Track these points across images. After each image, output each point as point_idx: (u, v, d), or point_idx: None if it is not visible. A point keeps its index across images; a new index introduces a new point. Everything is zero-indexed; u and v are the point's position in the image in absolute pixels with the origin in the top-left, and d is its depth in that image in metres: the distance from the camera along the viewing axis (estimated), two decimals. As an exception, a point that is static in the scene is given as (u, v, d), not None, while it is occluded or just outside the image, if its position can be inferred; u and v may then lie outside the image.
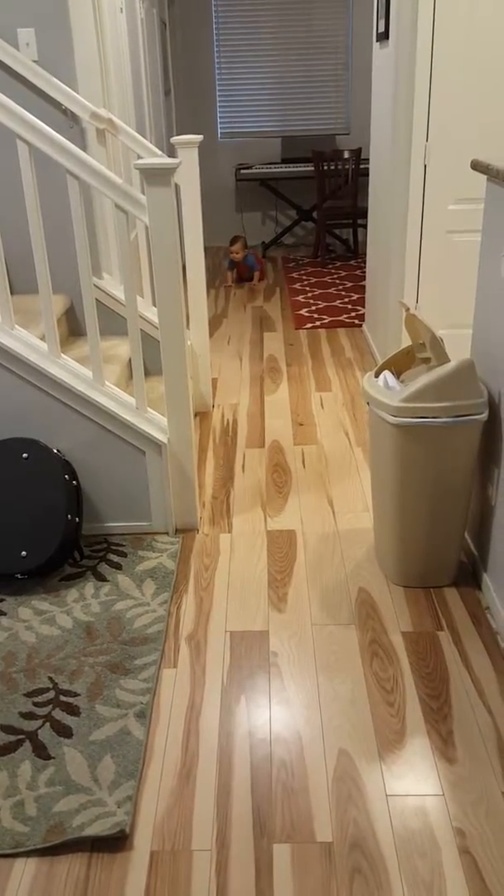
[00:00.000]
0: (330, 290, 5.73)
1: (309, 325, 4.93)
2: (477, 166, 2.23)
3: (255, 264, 5.99)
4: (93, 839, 1.63)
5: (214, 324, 5.10)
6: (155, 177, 2.26)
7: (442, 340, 2.32)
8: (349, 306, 5.31)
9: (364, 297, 5.46)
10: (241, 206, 7.45)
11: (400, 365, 2.41)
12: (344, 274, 6.19)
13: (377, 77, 4.18)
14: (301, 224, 7.37)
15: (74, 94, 3.06)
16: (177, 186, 3.45)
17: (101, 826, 1.64)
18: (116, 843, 1.63)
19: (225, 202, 7.44)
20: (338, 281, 6.00)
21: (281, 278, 6.21)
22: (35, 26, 3.02)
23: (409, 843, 1.60)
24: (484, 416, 2.15)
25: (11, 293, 3.40)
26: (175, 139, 3.26)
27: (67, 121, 3.16)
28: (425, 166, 3.63)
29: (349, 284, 5.87)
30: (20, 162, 2.30)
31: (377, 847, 1.60)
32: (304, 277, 6.15)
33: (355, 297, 5.52)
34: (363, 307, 5.25)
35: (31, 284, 3.24)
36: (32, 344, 2.49)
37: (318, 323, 4.97)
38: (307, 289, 5.81)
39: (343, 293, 5.65)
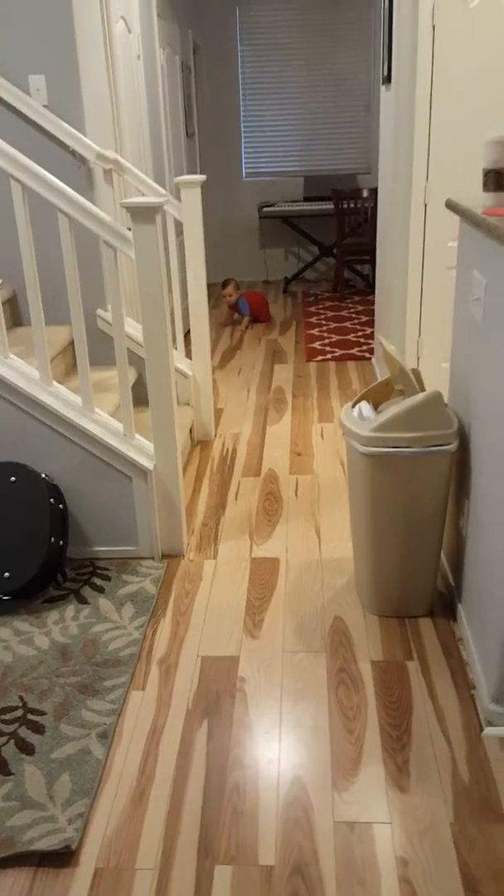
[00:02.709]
0: (345, 324, 5.80)
1: (320, 358, 4.99)
2: (449, 205, 2.28)
3: (246, 308, 5.90)
4: (40, 854, 1.67)
5: (228, 356, 5.20)
6: (140, 215, 2.36)
7: (418, 372, 2.36)
8: (361, 340, 5.36)
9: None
10: (264, 242, 7.60)
11: (378, 396, 2.45)
12: (361, 308, 6.26)
13: (383, 118, 4.28)
14: (322, 260, 7.48)
15: (82, 136, 3.20)
16: (180, 224, 3.57)
17: (49, 841, 1.68)
18: (62, 858, 1.66)
19: (249, 239, 7.59)
20: (353, 315, 6.07)
21: (298, 312, 6.30)
22: (45, 73, 3.18)
23: (350, 869, 1.61)
24: (453, 446, 2.17)
25: (20, 324, 3.54)
26: (178, 179, 3.38)
27: (75, 162, 3.30)
28: (426, 205, 3.70)
29: (364, 319, 5.93)
30: (13, 199, 2.41)
31: (318, 872, 1.60)
32: (321, 311, 6.22)
33: (369, 330, 5.58)
34: (374, 340, 5.29)
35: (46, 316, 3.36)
36: (25, 372, 2.58)
37: (328, 355, 5.03)
38: (323, 322, 5.88)
39: (357, 327, 5.71)
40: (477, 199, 2.21)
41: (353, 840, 1.67)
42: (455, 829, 1.69)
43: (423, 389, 2.32)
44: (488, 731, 1.94)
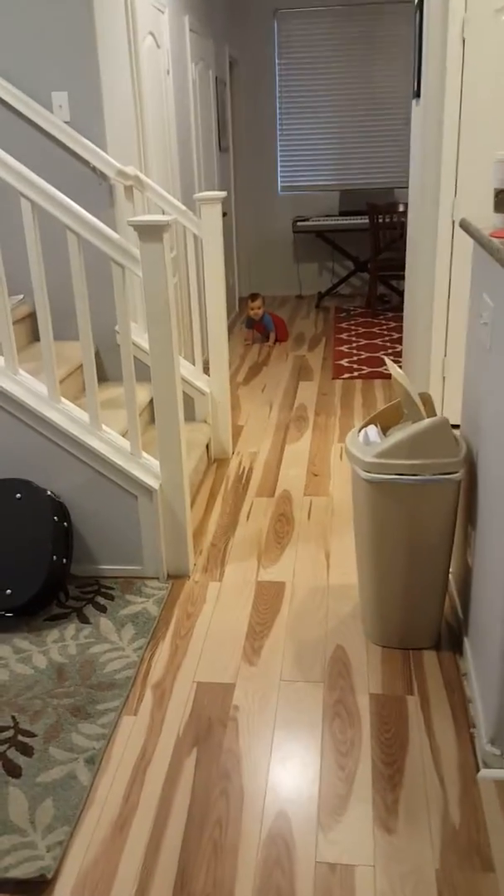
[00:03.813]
0: (375, 341, 5.73)
1: (346, 376, 4.93)
2: (463, 225, 2.22)
3: (270, 324, 5.83)
4: (15, 881, 1.64)
5: (253, 371, 5.17)
6: (147, 233, 2.35)
7: (428, 396, 2.30)
8: (391, 358, 5.29)
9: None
10: (298, 256, 7.57)
11: (388, 420, 2.40)
12: (393, 325, 6.19)
13: (414, 134, 4.23)
14: (357, 275, 7.42)
15: (102, 153, 3.22)
16: (199, 240, 3.56)
17: (26, 869, 1.66)
18: (38, 887, 1.64)
19: (283, 253, 7.57)
20: (385, 332, 5.99)
21: (329, 328, 6.24)
22: (68, 90, 3.20)
23: (328, 915, 1.55)
24: (459, 475, 2.10)
25: (38, 339, 3.56)
26: (198, 196, 3.37)
27: (97, 178, 3.32)
28: (453, 222, 3.63)
29: (396, 336, 5.86)
30: (23, 217, 2.42)
31: (294, 917, 1.55)
32: (353, 328, 6.16)
33: (399, 348, 5.50)
34: (402, 359, 5.21)
35: (60, 332, 3.39)
36: (34, 388, 2.59)
37: (355, 373, 4.97)
38: (353, 339, 5.82)
39: (388, 344, 5.64)
40: (493, 218, 2.15)
41: (333, 882, 1.61)
42: (440, 875, 1.62)
43: (432, 414, 2.26)
44: (483, 773, 1.86)
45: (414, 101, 4.19)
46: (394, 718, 2.06)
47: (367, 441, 2.25)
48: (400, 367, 5.06)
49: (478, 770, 1.88)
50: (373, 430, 2.30)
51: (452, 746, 1.96)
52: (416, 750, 1.95)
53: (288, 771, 1.90)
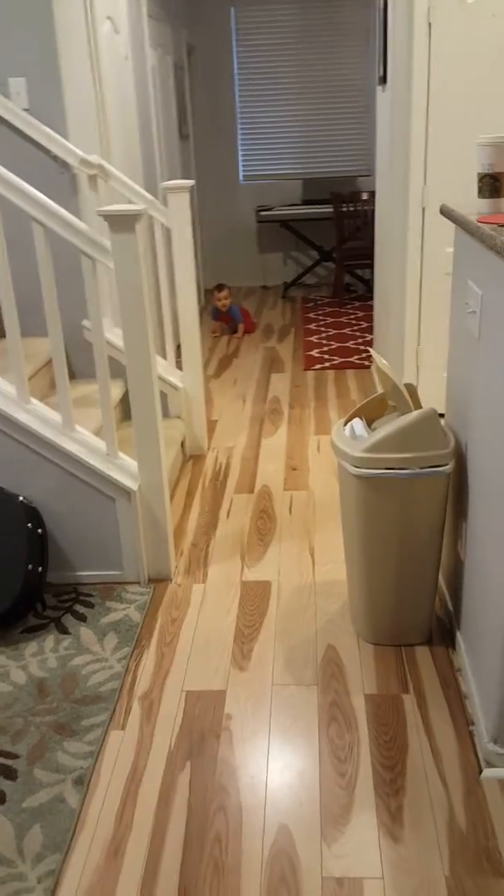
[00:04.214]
0: (344, 331, 5.67)
1: (318, 366, 4.86)
2: (444, 212, 2.16)
3: (238, 315, 5.74)
4: (6, 916, 1.55)
5: (224, 364, 5.08)
6: (119, 223, 2.24)
7: (413, 388, 2.23)
8: (361, 347, 5.24)
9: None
10: (263, 246, 7.47)
11: (373, 412, 2.33)
12: (361, 314, 6.13)
13: (380, 120, 4.16)
14: (322, 264, 7.35)
15: (64, 141, 3.09)
16: (168, 231, 3.45)
17: (17, 902, 1.56)
18: (30, 921, 1.55)
19: (247, 243, 7.47)
20: (354, 321, 5.94)
21: (297, 318, 6.17)
22: (26, 76, 3.07)
23: (338, 934, 1.49)
24: (448, 467, 2.05)
25: (4, 335, 3.42)
26: (165, 184, 3.27)
27: (58, 167, 3.19)
28: (423, 209, 3.58)
29: (364, 325, 5.81)
30: (-14, 211, 2.30)
31: (304, 938, 1.48)
32: (321, 318, 6.10)
33: (369, 337, 5.45)
34: (373, 348, 5.17)
35: (21, 328, 3.25)
36: (1, 390, 2.47)
37: (327, 364, 4.90)
38: (322, 329, 5.76)
39: (357, 333, 5.59)
40: (474, 204, 2.09)
41: (342, 899, 1.55)
42: (451, 883, 1.57)
43: (417, 406, 2.19)
44: (487, 772, 1.81)
45: (379, 88, 4.12)
46: (391, 719, 2.00)
47: (354, 435, 2.18)
48: (371, 358, 5.01)
49: (480, 770, 1.83)
50: (359, 424, 2.23)
51: (453, 746, 1.91)
52: (416, 751, 1.89)
53: (286, 781, 1.83)
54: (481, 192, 1.89)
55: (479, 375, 1.90)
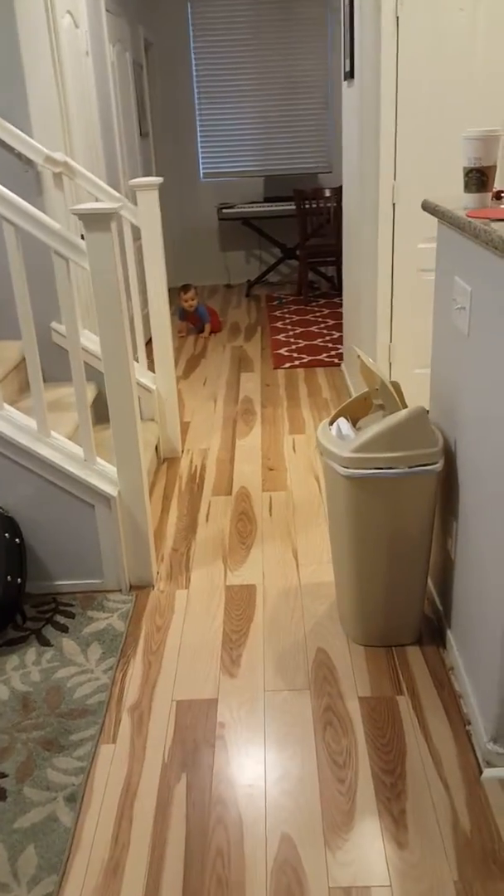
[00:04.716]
0: (311, 329, 5.66)
1: (287, 365, 4.83)
2: (427, 207, 2.14)
3: (205, 315, 5.69)
4: None
5: (192, 364, 5.02)
6: (93, 222, 2.18)
7: (398, 386, 2.21)
8: (329, 345, 5.22)
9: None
10: (225, 245, 7.42)
11: (357, 411, 2.30)
12: (327, 312, 6.12)
13: (346, 116, 4.15)
14: (286, 262, 7.33)
15: (27, 138, 3.00)
16: (137, 229, 3.38)
17: (14, 931, 1.50)
18: None
19: (209, 242, 7.41)
20: (320, 319, 5.93)
21: (263, 317, 6.14)
22: (-13, 72, 2.97)
23: None
24: (438, 466, 2.03)
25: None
26: (133, 182, 3.20)
27: (22, 165, 3.10)
28: (394, 205, 3.56)
29: (331, 322, 5.80)
30: (-46, 210, 2.21)
31: None
32: (287, 316, 6.08)
33: (336, 335, 5.44)
34: (343, 346, 5.16)
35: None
36: (-26, 396, 2.39)
37: (296, 362, 4.88)
38: (289, 327, 5.73)
39: (325, 331, 5.57)
40: (454, 199, 2.08)
41: (351, 910, 1.51)
42: (459, 888, 1.55)
43: (404, 404, 2.17)
44: (487, 773, 1.80)
45: (345, 83, 4.10)
46: (387, 722, 1.97)
47: (341, 435, 2.15)
48: (340, 355, 5.00)
49: (480, 770, 1.81)
50: (345, 424, 2.20)
51: (451, 747, 1.89)
52: (414, 754, 1.87)
53: (286, 789, 1.79)
54: (468, 187, 1.87)
55: (468, 372, 1.89)
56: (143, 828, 1.72)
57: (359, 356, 2.18)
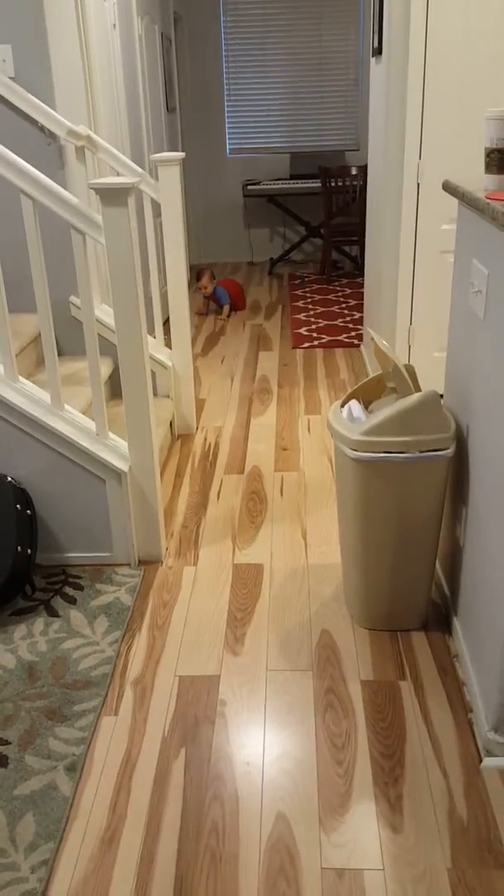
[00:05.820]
0: (332, 309, 5.61)
1: (306, 345, 4.81)
2: (447, 188, 2.10)
3: (225, 297, 5.56)
4: (-1, 909, 1.51)
5: (211, 342, 5.00)
6: (110, 197, 2.16)
7: (412, 369, 2.19)
8: (350, 325, 5.18)
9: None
10: (249, 222, 7.37)
11: (369, 394, 2.28)
12: (349, 292, 6.07)
13: (374, 93, 4.08)
14: (309, 240, 7.27)
15: (51, 111, 2.99)
16: (158, 204, 3.36)
17: (10, 894, 1.52)
18: (24, 914, 1.51)
19: (233, 218, 7.36)
20: (342, 299, 5.88)
21: (284, 295, 6.10)
22: (12, 43, 2.96)
23: (339, 925, 1.46)
24: (450, 451, 2.01)
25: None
26: (156, 157, 3.17)
27: (45, 138, 3.09)
28: (418, 185, 3.51)
29: (353, 303, 5.75)
30: (-28, 180, 2.21)
31: (304, 929, 1.46)
32: (309, 295, 6.03)
33: (357, 315, 5.40)
34: (363, 326, 5.12)
35: (9, 304, 3.16)
36: (-12, 368, 2.40)
37: (315, 342, 4.85)
38: (310, 307, 5.69)
39: (346, 311, 5.53)
40: (477, 180, 2.04)
41: (342, 890, 1.52)
42: (452, 875, 1.55)
43: (417, 388, 2.15)
44: (487, 762, 1.80)
45: (373, 60, 4.03)
46: (388, 706, 1.97)
47: (352, 417, 2.13)
48: (360, 336, 4.96)
49: (480, 758, 1.81)
50: (356, 406, 2.18)
51: (451, 734, 1.89)
52: (414, 739, 1.87)
53: (283, 769, 1.80)
54: (489, 168, 1.84)
55: (483, 357, 1.86)
56: (141, 800, 1.74)
57: (372, 338, 2.16)
